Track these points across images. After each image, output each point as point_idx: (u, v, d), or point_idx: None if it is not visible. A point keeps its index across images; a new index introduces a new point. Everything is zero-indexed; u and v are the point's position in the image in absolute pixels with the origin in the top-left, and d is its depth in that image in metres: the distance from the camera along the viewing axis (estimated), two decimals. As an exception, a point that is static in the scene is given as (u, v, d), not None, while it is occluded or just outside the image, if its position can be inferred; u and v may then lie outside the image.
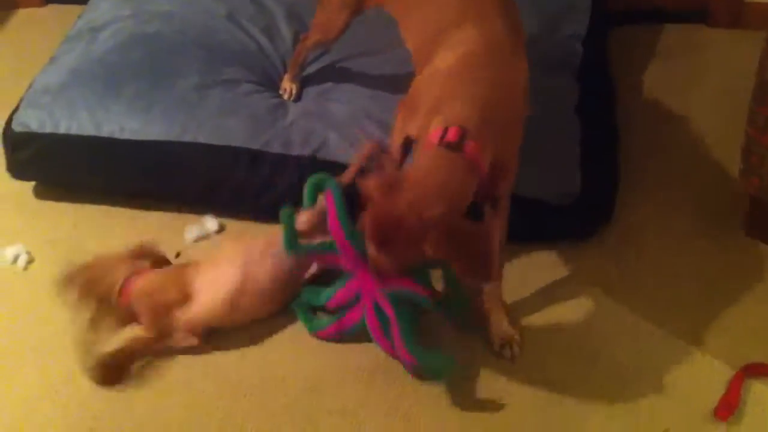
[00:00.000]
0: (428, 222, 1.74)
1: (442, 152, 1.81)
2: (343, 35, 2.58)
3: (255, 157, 2.52)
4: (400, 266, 1.87)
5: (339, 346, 2.25)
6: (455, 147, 1.80)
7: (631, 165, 2.68)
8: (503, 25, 2.06)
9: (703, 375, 2.15)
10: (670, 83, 3.04)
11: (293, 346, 2.28)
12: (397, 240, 1.77)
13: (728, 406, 2.04)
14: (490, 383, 2.17)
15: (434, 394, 2.14)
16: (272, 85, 2.75)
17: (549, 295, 2.37)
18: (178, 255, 2.51)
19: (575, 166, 2.45)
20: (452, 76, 1.97)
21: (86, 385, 2.20)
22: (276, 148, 2.52)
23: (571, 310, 2.33)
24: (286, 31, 2.92)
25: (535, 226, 2.44)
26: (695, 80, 3.06)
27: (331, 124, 2.57)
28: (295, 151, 2.51)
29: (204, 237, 2.57)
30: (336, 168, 2.28)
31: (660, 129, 2.86)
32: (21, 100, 2.73)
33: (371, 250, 1.84)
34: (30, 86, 2.78)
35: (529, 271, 2.42)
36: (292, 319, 2.31)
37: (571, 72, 2.73)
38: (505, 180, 2.06)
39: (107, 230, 2.62)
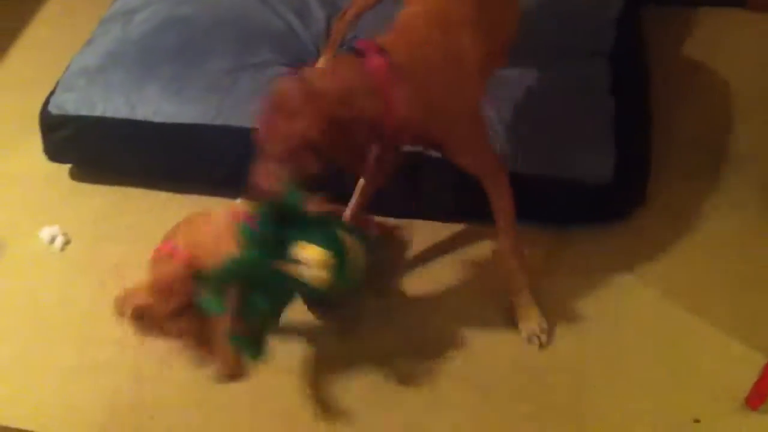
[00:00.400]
0: (308, 94, 1.74)
1: (347, 54, 1.88)
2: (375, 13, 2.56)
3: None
4: (281, 149, 1.80)
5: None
6: (358, 53, 1.83)
7: (665, 147, 2.66)
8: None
9: (735, 363, 2.14)
10: (705, 66, 3.00)
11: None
12: (280, 112, 1.77)
13: (760, 395, 2.03)
14: (516, 366, 2.19)
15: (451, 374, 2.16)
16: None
17: (580, 277, 2.37)
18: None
19: (609, 148, 2.44)
20: (399, 28, 1.98)
21: (120, 363, 2.25)
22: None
23: (602, 293, 2.33)
24: (319, 14, 2.91)
25: (569, 207, 2.45)
26: (730, 64, 3.01)
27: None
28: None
29: (236, 219, 2.59)
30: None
31: (694, 112, 2.83)
32: (57, 82, 2.76)
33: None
34: (67, 69, 2.81)
35: (561, 253, 2.43)
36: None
37: (605, 53, 2.71)
38: (463, 152, 2.05)
39: (142, 212, 2.66)
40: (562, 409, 2.09)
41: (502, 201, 2.14)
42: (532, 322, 2.22)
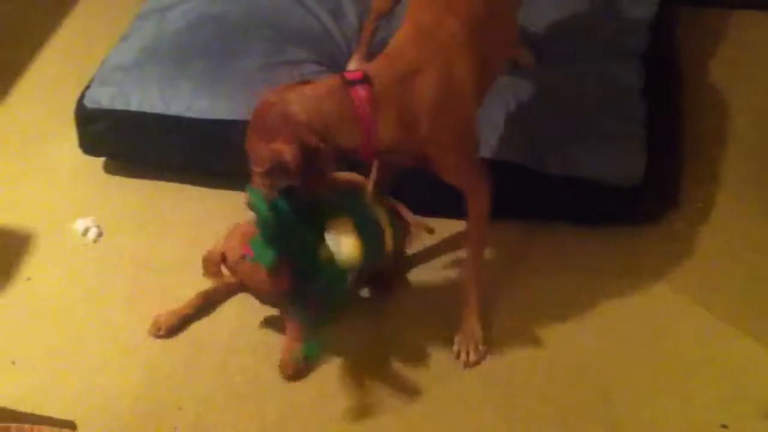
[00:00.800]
0: (286, 120, 1.79)
1: (335, 79, 1.89)
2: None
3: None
4: (259, 165, 1.87)
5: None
6: (346, 82, 1.86)
7: (696, 150, 2.66)
8: (461, 22, 2.00)
9: (762, 369, 2.13)
10: (737, 68, 2.99)
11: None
12: (259, 131, 1.84)
13: (788, 402, 2.02)
14: (539, 365, 2.19)
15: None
16: (337, 67, 2.75)
17: (610, 278, 2.37)
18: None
19: (640, 149, 2.44)
20: (389, 51, 2.00)
21: (150, 356, 2.27)
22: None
23: (631, 295, 2.33)
24: (351, 14, 2.93)
25: (599, 208, 2.45)
26: (763, 66, 3.00)
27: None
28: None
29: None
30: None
31: (725, 114, 2.82)
32: (93, 77, 2.79)
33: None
34: (102, 63, 2.84)
35: (593, 255, 2.43)
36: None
37: (638, 55, 2.71)
38: (448, 171, 2.06)
39: (175, 206, 2.68)
40: (585, 411, 2.09)
41: (479, 217, 2.14)
42: (465, 335, 2.21)
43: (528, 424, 2.08)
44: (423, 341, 2.26)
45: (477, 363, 2.20)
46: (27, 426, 1.98)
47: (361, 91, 1.84)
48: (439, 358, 2.22)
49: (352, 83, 1.85)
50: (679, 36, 2.94)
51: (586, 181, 2.39)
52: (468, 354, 2.20)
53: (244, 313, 2.33)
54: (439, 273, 2.42)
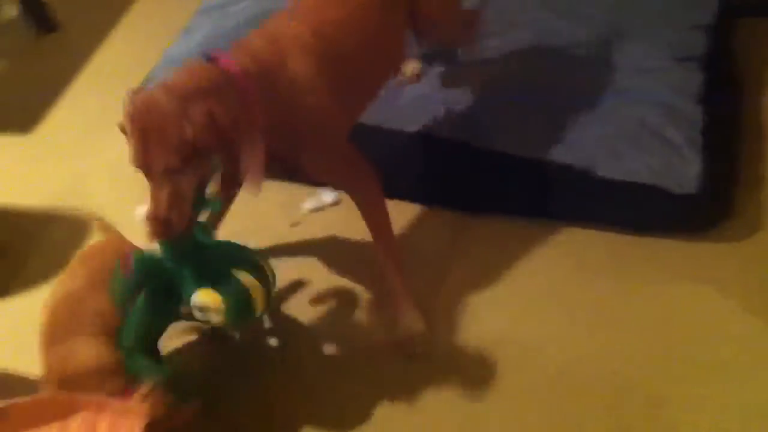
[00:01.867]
0: (176, 95, 1.69)
1: (194, 62, 1.82)
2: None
3: (370, 132, 2.51)
4: (173, 161, 1.69)
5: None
6: (209, 58, 1.81)
7: (753, 159, 2.62)
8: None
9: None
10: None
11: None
12: (154, 122, 1.69)
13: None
14: (558, 370, 2.18)
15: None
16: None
17: (660, 286, 2.34)
18: (295, 225, 2.60)
19: (696, 157, 2.41)
20: (237, 43, 1.97)
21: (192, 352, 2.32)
22: (393, 125, 2.55)
23: (681, 303, 2.30)
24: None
25: (652, 215, 2.43)
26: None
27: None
28: (410, 128, 2.54)
29: (320, 208, 2.63)
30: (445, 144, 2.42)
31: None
32: (151, 71, 2.84)
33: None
34: (160, 60, 2.89)
35: (642, 262, 2.40)
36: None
37: (696, 61, 2.68)
38: (319, 172, 2.08)
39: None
40: (601, 413, 2.08)
41: (372, 220, 2.12)
42: (407, 327, 2.19)
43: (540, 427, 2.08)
44: (452, 340, 2.27)
45: (425, 354, 2.18)
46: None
47: (226, 61, 1.80)
48: (470, 354, 2.22)
49: (213, 59, 1.81)
50: (740, 45, 2.90)
51: (639, 186, 2.37)
52: (414, 346, 2.18)
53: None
54: (466, 274, 2.43)
